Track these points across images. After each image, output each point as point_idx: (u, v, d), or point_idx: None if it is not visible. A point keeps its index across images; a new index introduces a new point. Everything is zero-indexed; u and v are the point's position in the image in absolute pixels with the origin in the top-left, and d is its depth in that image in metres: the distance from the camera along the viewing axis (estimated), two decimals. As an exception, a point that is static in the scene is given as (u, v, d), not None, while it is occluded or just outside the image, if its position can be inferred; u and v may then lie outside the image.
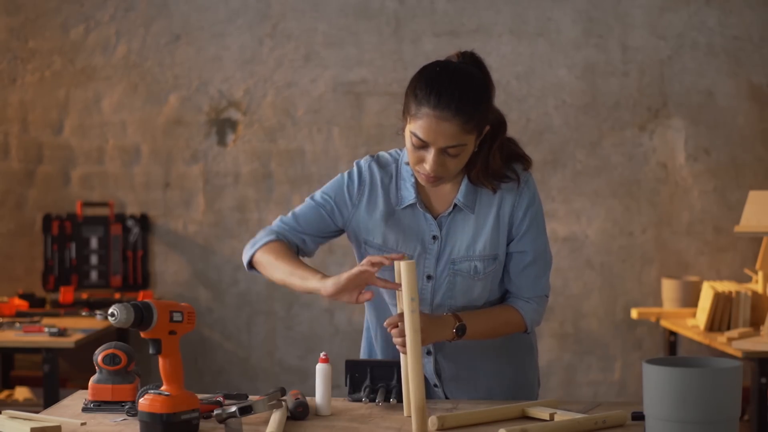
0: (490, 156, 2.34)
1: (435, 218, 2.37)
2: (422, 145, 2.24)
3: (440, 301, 2.38)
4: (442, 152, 2.23)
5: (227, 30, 5.18)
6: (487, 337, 2.39)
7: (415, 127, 2.23)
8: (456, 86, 2.22)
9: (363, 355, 2.55)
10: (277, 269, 2.35)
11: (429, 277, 2.38)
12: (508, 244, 2.39)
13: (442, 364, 2.44)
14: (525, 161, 2.39)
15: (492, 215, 2.36)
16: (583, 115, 5.15)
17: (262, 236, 2.42)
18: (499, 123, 2.36)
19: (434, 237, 2.37)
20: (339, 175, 2.45)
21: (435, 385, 2.45)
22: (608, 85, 5.14)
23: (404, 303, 2.09)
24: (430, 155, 2.24)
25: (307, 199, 2.45)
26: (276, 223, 2.45)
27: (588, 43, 5.14)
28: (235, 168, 5.20)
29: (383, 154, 2.46)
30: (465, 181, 2.36)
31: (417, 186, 2.38)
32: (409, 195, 2.38)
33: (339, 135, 5.18)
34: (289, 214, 2.44)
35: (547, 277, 2.44)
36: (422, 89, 2.23)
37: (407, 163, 2.37)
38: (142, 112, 5.21)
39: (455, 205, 2.36)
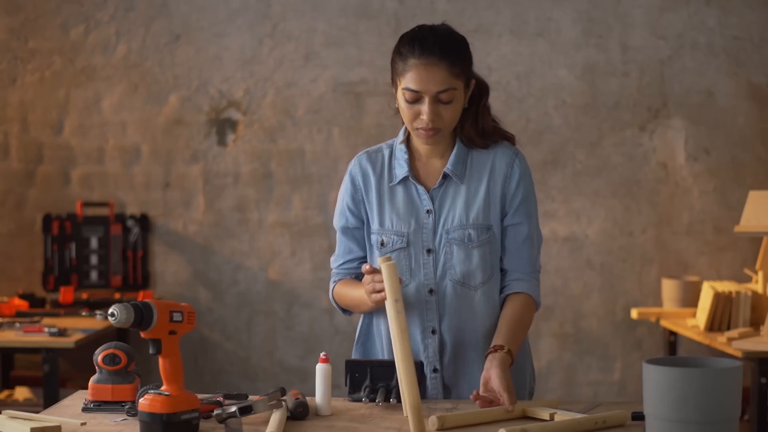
0: (479, 114, 2.46)
1: (427, 192, 2.46)
2: (416, 98, 2.36)
3: (441, 272, 2.44)
4: (435, 100, 2.35)
5: (227, 30, 5.18)
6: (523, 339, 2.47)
7: (406, 81, 2.36)
8: (436, 35, 2.39)
9: (355, 355, 2.56)
10: (356, 308, 2.51)
11: (429, 251, 2.45)
12: (503, 219, 2.46)
13: (446, 343, 2.45)
14: (510, 138, 2.52)
15: (483, 186, 2.45)
16: (583, 115, 5.15)
17: (330, 287, 2.59)
18: (484, 85, 2.49)
19: (428, 211, 2.45)
20: (341, 185, 2.58)
21: (434, 369, 2.45)
22: (608, 85, 5.14)
23: (389, 305, 2.10)
24: (424, 106, 2.36)
25: (337, 230, 2.58)
26: (332, 273, 2.60)
27: (588, 43, 5.14)
28: (235, 168, 5.20)
29: (375, 145, 2.57)
30: (455, 151, 2.46)
31: (410, 162, 2.48)
32: (401, 170, 2.47)
33: (339, 135, 5.18)
34: (335, 255, 2.59)
35: (539, 253, 2.52)
36: (405, 45, 2.38)
37: (402, 143, 2.49)
38: (142, 112, 5.21)
39: (445, 174, 2.45)
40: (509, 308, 2.45)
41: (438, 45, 2.35)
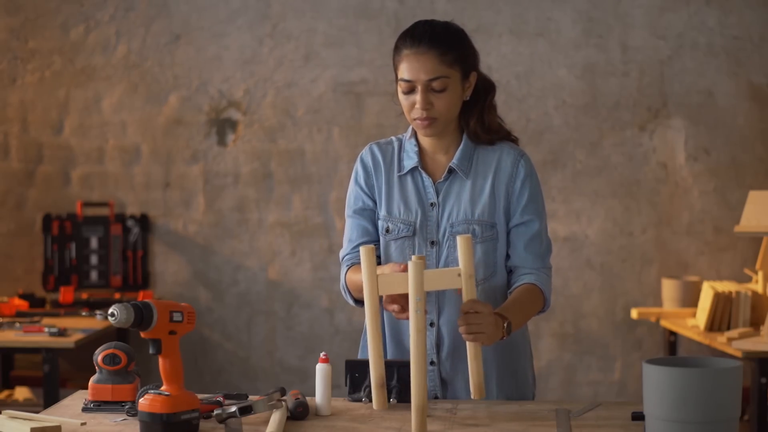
0: (485, 111, 2.49)
1: (433, 185, 2.48)
2: (410, 88, 2.40)
3: (444, 264, 2.46)
4: (428, 89, 2.38)
5: (227, 30, 5.18)
6: (522, 325, 2.45)
7: (401, 73, 2.41)
8: (428, 25, 2.44)
9: (361, 355, 2.56)
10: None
11: (432, 243, 2.47)
12: (510, 219, 2.47)
13: (443, 336, 2.45)
14: (515, 140, 2.54)
15: (488, 183, 2.47)
16: (583, 115, 5.15)
17: (341, 275, 2.55)
18: (490, 83, 2.52)
19: (432, 204, 2.47)
20: (352, 175, 2.59)
21: (431, 363, 2.46)
22: (608, 85, 5.14)
23: (410, 302, 2.09)
24: (417, 95, 2.39)
25: (347, 218, 2.57)
26: (344, 260, 2.56)
27: (588, 43, 5.14)
28: (235, 168, 5.20)
29: (385, 139, 2.60)
30: (461, 146, 2.48)
31: (420, 154, 2.51)
32: (410, 161, 2.50)
33: (339, 135, 5.18)
34: (345, 243, 2.56)
35: (550, 254, 2.51)
36: (400, 39, 2.44)
37: (411, 137, 2.52)
38: (142, 112, 5.21)
39: (450, 169, 2.47)
40: (515, 294, 2.43)
41: (428, 34, 2.40)
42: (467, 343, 2.17)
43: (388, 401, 2.30)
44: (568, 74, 5.15)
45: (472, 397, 2.17)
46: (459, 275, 2.13)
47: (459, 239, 2.13)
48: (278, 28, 5.18)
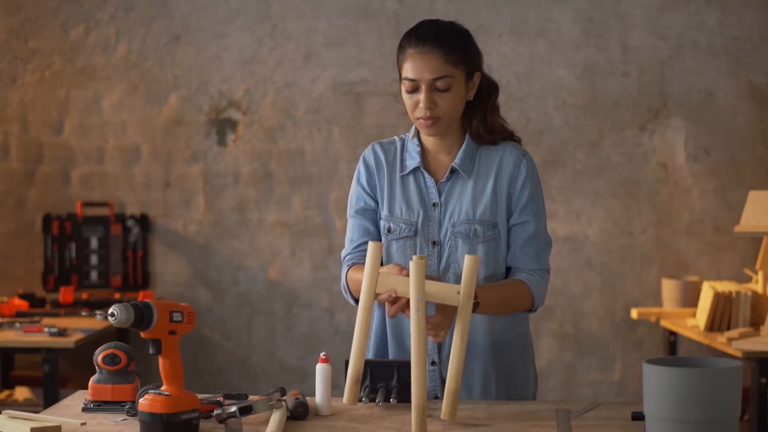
0: (488, 111, 2.49)
1: (435, 185, 2.49)
2: (414, 87, 2.41)
3: (445, 264, 2.46)
4: (432, 88, 2.39)
5: (227, 30, 5.18)
6: (498, 312, 2.44)
7: (405, 72, 2.41)
8: (433, 25, 2.44)
9: (367, 355, 2.55)
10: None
11: (434, 243, 2.47)
12: (510, 218, 2.48)
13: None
14: (517, 140, 2.55)
15: (490, 183, 2.47)
16: (583, 115, 5.15)
17: (342, 275, 2.54)
18: (493, 84, 2.52)
19: (434, 204, 2.48)
20: (354, 175, 2.58)
21: (433, 362, 2.45)
22: (608, 85, 5.14)
23: (411, 302, 2.09)
24: (422, 94, 2.40)
25: (349, 218, 2.57)
26: (345, 260, 2.55)
27: (588, 43, 5.14)
28: (235, 168, 5.20)
29: (387, 138, 2.60)
30: (464, 146, 2.49)
31: (422, 154, 2.51)
32: (413, 161, 2.51)
33: (339, 135, 5.18)
34: (347, 243, 2.56)
35: (548, 255, 2.51)
36: (404, 38, 2.45)
37: (414, 137, 2.53)
38: (142, 112, 5.21)
39: (453, 169, 2.47)
40: (500, 281, 2.47)
41: (432, 34, 2.40)
42: (450, 362, 2.13)
43: (388, 401, 2.30)
44: (568, 74, 5.15)
45: (441, 417, 2.12)
46: (458, 293, 2.12)
47: (466, 258, 2.11)
48: (278, 28, 5.18)
